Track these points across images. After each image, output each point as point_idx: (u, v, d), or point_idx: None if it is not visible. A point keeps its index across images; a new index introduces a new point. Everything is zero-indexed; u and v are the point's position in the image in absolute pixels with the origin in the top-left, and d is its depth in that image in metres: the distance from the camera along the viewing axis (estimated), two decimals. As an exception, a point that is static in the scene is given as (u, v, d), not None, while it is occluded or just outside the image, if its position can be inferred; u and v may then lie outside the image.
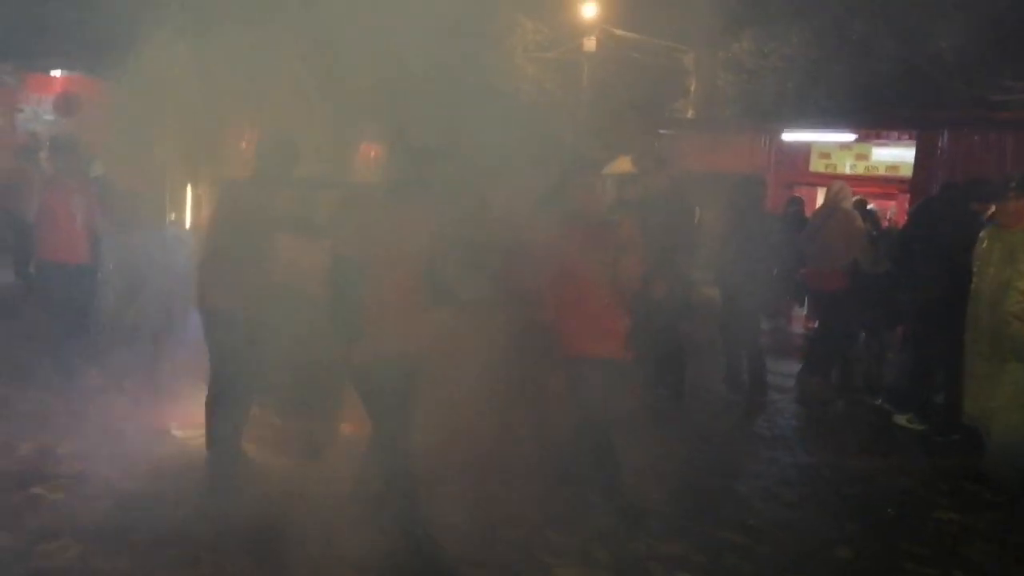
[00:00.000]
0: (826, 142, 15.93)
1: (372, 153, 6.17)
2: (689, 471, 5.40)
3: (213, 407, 4.66)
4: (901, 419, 6.85)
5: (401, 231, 3.84)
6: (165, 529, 4.06)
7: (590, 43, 20.74)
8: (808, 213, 11.80)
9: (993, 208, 5.90)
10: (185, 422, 5.43)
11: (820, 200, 15.44)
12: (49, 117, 12.95)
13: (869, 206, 11.19)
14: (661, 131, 17.82)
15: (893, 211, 14.93)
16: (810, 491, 5.36)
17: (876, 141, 15.44)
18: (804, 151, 16.05)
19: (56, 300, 6.75)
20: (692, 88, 21.21)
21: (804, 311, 11.47)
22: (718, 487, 5.25)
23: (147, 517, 4.18)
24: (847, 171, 15.78)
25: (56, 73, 12.86)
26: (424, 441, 4.03)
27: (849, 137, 15.31)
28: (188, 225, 7.47)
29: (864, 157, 15.69)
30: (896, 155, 15.11)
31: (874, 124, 15.13)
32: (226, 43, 6.51)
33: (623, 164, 16.35)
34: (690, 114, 21.01)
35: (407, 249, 3.86)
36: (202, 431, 4.77)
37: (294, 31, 7.23)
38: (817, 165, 15.97)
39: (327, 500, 4.30)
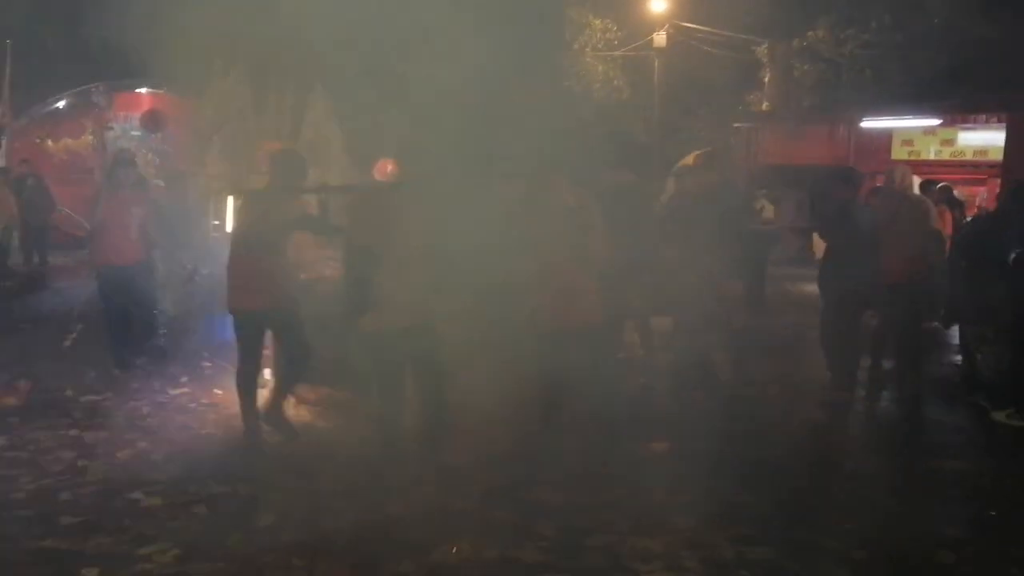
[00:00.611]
0: (909, 128, 15.47)
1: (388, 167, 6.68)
2: (780, 471, 5.29)
3: (241, 390, 5.47)
4: (1000, 415, 6.58)
5: (404, 224, 4.69)
6: (259, 534, 4.15)
7: (660, 39, 20.55)
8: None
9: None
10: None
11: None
12: (136, 133, 13.35)
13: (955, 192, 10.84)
14: (736, 124, 17.53)
15: (983, 196, 14.42)
16: (907, 493, 5.19)
17: (962, 125, 14.95)
18: (885, 138, 15.63)
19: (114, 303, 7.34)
20: (767, 79, 20.82)
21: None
22: (810, 488, 5.12)
23: (241, 521, 4.27)
24: (932, 157, 15.33)
25: (142, 91, 13.23)
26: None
27: (933, 122, 14.84)
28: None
29: (950, 142, 15.20)
30: (984, 139, 14.60)
31: (960, 108, 14.64)
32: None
33: (696, 158, 16.22)
34: (765, 106, 20.63)
35: (410, 239, 4.67)
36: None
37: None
38: (899, 152, 15.52)
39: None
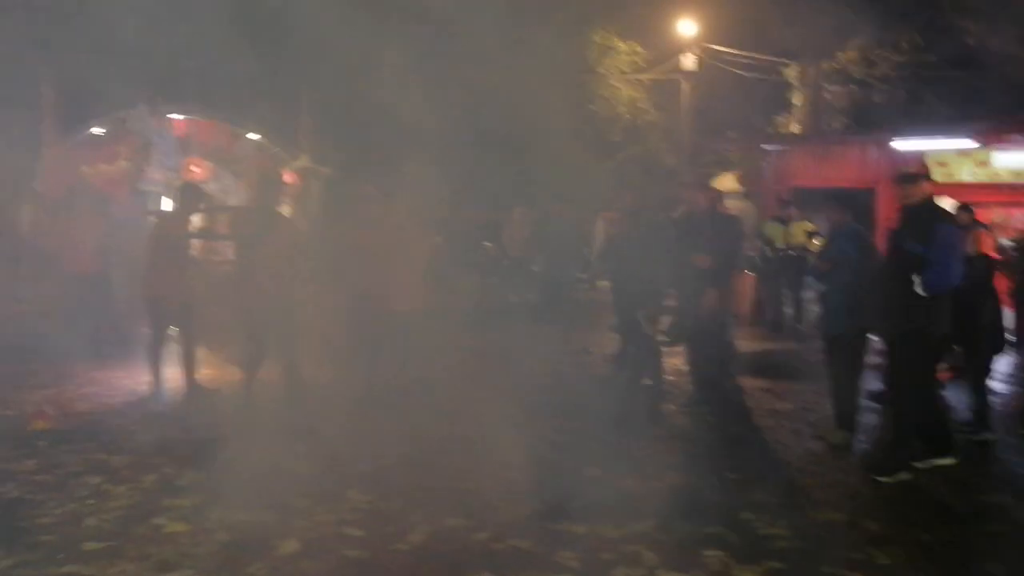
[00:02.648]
0: (942, 149, 15.26)
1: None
2: (811, 502, 5.20)
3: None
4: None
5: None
6: (282, 562, 4.12)
7: (688, 61, 20.51)
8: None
9: None
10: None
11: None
12: (170, 158, 13.49)
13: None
14: (765, 147, 17.40)
15: (1021, 219, 14.17)
16: None
17: (998, 146, 14.73)
18: (918, 160, 15.44)
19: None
20: (796, 101, 20.70)
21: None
22: (842, 520, 5.01)
23: (261, 548, 4.24)
24: (966, 179, 15.10)
25: (178, 117, 13.43)
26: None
27: (968, 143, 14.63)
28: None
29: (985, 164, 14.97)
30: (1021, 160, 14.39)
31: (995, 129, 14.43)
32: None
33: (727, 181, 16.17)
34: (795, 128, 20.50)
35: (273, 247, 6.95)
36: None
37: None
38: (933, 174, 15.30)
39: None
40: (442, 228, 17.48)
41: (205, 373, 8.06)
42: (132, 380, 8.04)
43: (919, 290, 5.36)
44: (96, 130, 13.19)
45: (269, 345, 7.16)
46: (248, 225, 7.29)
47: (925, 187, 5.65)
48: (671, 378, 8.54)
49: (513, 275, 16.62)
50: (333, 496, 4.96)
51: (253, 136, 14.35)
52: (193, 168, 12.14)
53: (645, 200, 7.95)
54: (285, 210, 8.76)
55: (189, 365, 7.53)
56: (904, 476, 5.57)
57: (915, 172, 5.72)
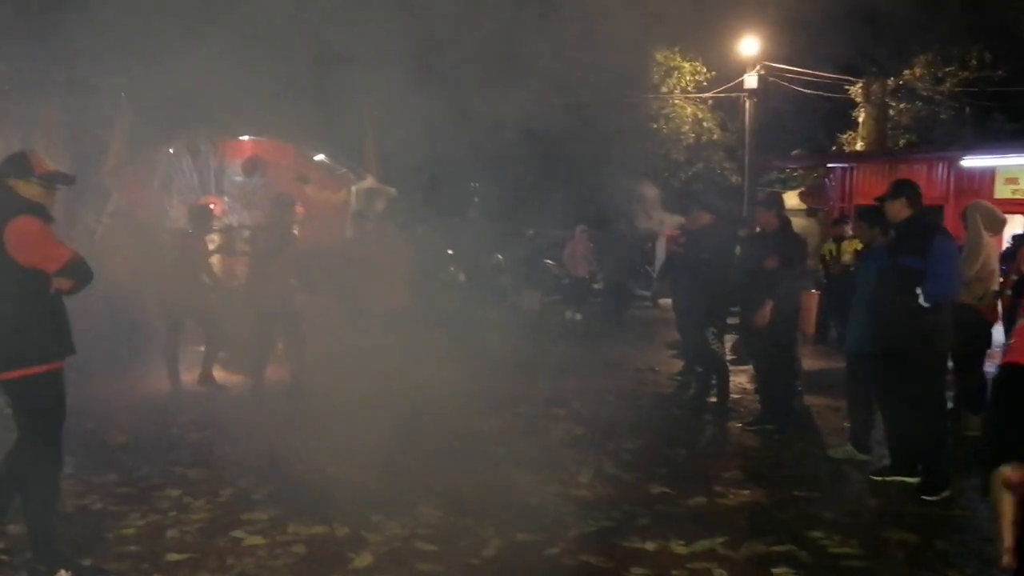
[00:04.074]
0: (1013, 166, 14.94)
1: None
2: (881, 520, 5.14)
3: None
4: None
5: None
6: (354, 575, 4.21)
7: (751, 80, 20.40)
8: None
9: None
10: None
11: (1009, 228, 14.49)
12: (238, 178, 13.81)
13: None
14: (830, 164, 17.21)
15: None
16: None
17: (1071, 162, 14.40)
18: (988, 177, 15.11)
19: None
20: (861, 119, 20.45)
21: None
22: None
23: (337, 561, 4.34)
24: (1039, 196, 14.77)
25: (244, 138, 13.70)
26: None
27: (1040, 160, 14.33)
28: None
29: (1057, 180, 14.64)
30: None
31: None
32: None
33: (791, 199, 16.03)
34: (859, 145, 20.23)
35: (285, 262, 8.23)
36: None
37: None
38: (1003, 191, 14.96)
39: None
40: (503, 247, 17.65)
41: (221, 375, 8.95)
42: (203, 396, 8.26)
43: (922, 302, 5.33)
44: (168, 149, 13.56)
45: (271, 352, 8.51)
46: (263, 242, 8.53)
47: (907, 202, 5.65)
48: (737, 396, 8.50)
49: (574, 293, 16.69)
50: (405, 510, 5.04)
51: (319, 156, 14.62)
52: (211, 204, 12.54)
53: (710, 218, 7.96)
54: (296, 230, 9.71)
55: (207, 366, 8.71)
56: (946, 494, 5.48)
57: (895, 188, 5.74)
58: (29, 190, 4.15)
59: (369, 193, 15.13)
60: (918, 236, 5.50)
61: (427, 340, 9.72)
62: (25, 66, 11.74)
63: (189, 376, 8.68)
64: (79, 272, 4.15)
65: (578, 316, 15.75)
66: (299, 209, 11.62)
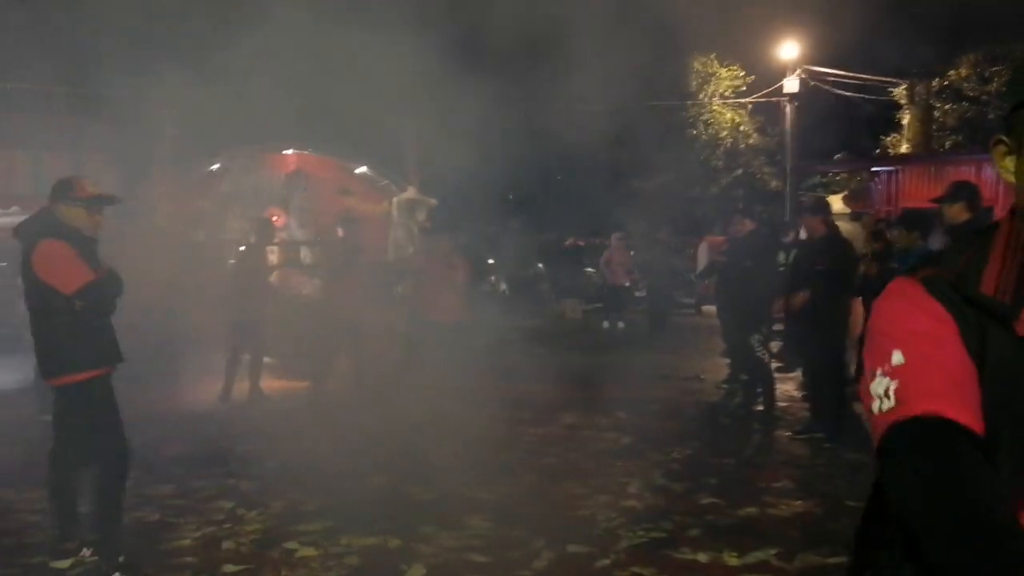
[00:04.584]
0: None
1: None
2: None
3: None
4: None
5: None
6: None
7: (791, 84, 20.22)
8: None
9: None
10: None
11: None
12: (282, 191, 14.03)
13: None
14: (874, 168, 17.00)
15: None
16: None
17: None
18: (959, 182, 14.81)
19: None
20: (905, 121, 20.16)
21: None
22: None
23: (389, 573, 4.37)
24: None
25: (288, 151, 13.88)
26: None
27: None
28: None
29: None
30: None
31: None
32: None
33: (834, 203, 15.88)
34: (904, 147, 19.95)
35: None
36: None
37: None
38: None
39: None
40: (542, 255, 17.67)
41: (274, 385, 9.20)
42: (250, 408, 8.38)
43: None
44: (213, 165, 13.80)
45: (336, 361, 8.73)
46: (332, 258, 8.94)
47: (966, 205, 5.58)
48: (784, 404, 8.42)
49: (614, 301, 16.64)
50: (455, 522, 5.06)
51: (362, 168, 14.78)
52: (273, 216, 12.74)
53: (752, 225, 7.92)
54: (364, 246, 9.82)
55: (255, 376, 8.82)
56: None
57: (954, 190, 5.66)
58: (71, 213, 4.41)
59: (410, 204, 15.21)
60: None
61: (471, 351, 9.78)
62: (72, 84, 12.00)
63: (240, 388, 8.80)
64: (92, 296, 4.35)
65: (620, 324, 15.69)
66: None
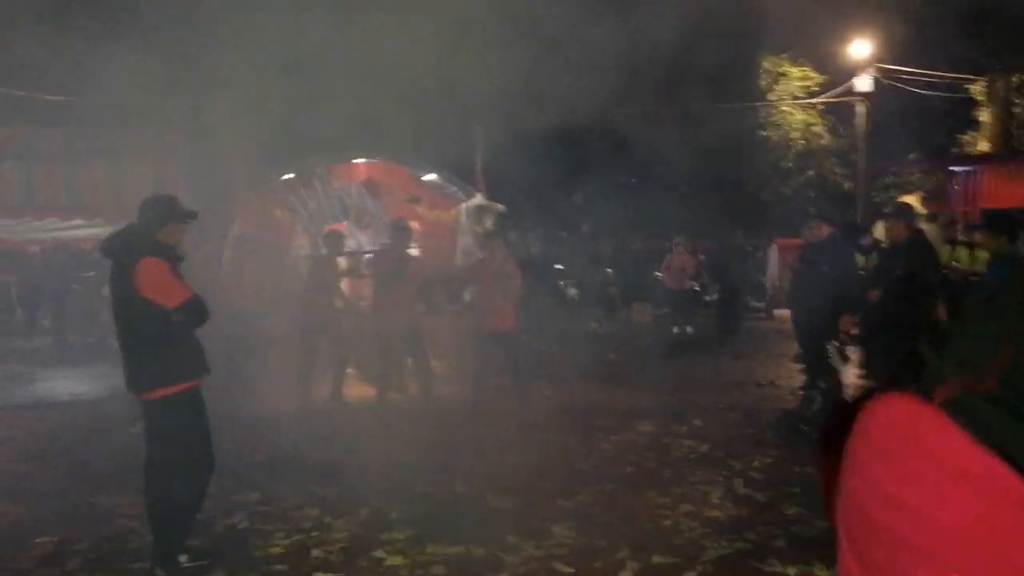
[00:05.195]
0: None
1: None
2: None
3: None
4: None
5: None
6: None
7: (862, 83, 19.82)
8: None
9: None
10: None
11: None
12: (354, 201, 14.21)
13: None
14: (952, 168, 16.58)
15: None
16: None
17: None
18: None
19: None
20: (984, 118, 19.62)
21: None
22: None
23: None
24: None
25: (358, 161, 14.03)
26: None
27: None
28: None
29: None
30: None
31: None
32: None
33: (910, 202, 15.48)
34: (983, 146, 19.42)
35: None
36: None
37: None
38: None
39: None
40: (610, 259, 17.61)
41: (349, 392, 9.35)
42: (332, 414, 8.51)
43: None
44: (286, 176, 14.03)
45: (397, 371, 9.02)
46: (383, 266, 8.89)
47: None
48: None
49: (683, 306, 16.49)
50: (540, 531, 5.07)
51: (430, 176, 14.88)
52: (341, 227, 12.89)
53: (829, 230, 7.78)
54: (414, 252, 10.23)
55: (337, 387, 9.05)
56: None
57: None
58: (170, 231, 4.62)
59: (478, 211, 15.28)
60: None
61: (542, 356, 9.82)
62: (151, 98, 12.31)
63: (319, 394, 8.96)
64: (194, 311, 4.54)
65: (688, 329, 15.53)
66: (415, 226, 11.96)
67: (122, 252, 4.51)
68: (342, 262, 9.86)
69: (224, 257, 12.86)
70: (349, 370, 9.44)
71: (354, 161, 14.14)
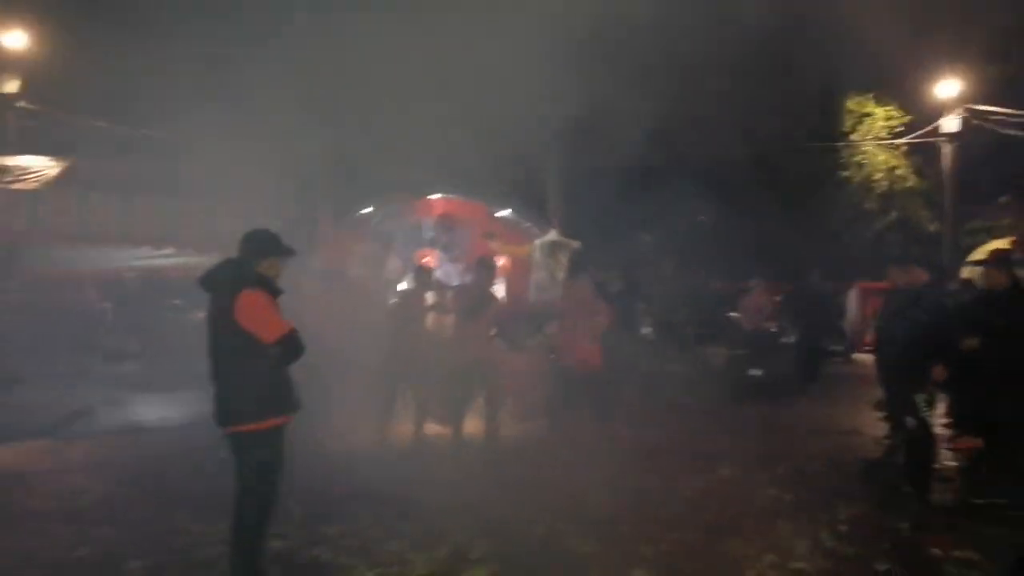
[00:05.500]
0: None
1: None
2: None
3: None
4: None
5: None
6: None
7: (950, 123, 19.39)
8: None
9: None
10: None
11: None
12: (430, 234, 14.41)
13: None
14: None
15: None
16: None
17: None
18: None
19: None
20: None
21: None
22: None
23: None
24: None
25: (436, 196, 14.24)
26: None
27: None
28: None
29: None
30: None
31: None
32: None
33: (990, 253, 14.96)
34: (1079, 188, 18.76)
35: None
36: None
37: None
38: None
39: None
40: (687, 299, 17.47)
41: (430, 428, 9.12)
42: (411, 450, 8.55)
43: None
44: (365, 210, 14.30)
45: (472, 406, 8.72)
46: (465, 301, 8.75)
47: None
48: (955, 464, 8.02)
49: (757, 348, 16.22)
50: (621, 574, 5.03)
51: (504, 212, 15.00)
52: (425, 258, 12.98)
53: (926, 276, 7.58)
54: (498, 289, 10.01)
55: (419, 422, 8.82)
56: None
57: None
58: (270, 264, 4.76)
59: (552, 247, 15.32)
60: None
61: (620, 396, 9.75)
62: (238, 138, 12.66)
63: (400, 429, 9.00)
64: (291, 346, 4.61)
65: (758, 372, 15.17)
66: (500, 262, 12.02)
67: (224, 283, 4.63)
68: (430, 297, 9.88)
69: (304, 290, 13.11)
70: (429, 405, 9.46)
71: (430, 197, 14.34)
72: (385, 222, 13.68)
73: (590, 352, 8.39)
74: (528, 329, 10.25)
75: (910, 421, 7.38)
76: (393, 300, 10.09)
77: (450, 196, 14.58)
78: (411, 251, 13.07)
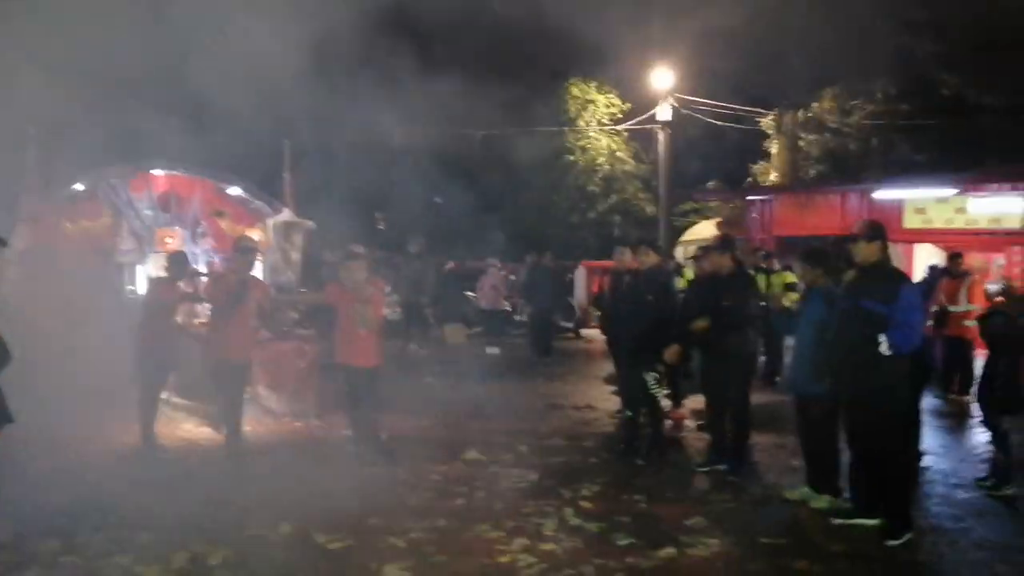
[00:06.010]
0: (921, 197, 15.60)
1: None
2: None
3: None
4: None
5: None
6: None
7: (663, 111, 20.80)
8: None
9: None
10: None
11: (917, 257, 15.07)
12: (149, 212, 13.33)
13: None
14: (749, 196, 17.64)
15: (999, 263, 14.44)
16: None
17: (974, 193, 15.12)
18: (897, 207, 15.70)
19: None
20: (774, 150, 21.06)
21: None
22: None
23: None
24: (944, 225, 15.46)
25: (157, 172, 13.21)
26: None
27: (948, 192, 14.99)
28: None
29: (962, 210, 15.37)
30: (997, 206, 14.86)
31: (976, 178, 14.83)
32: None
33: (706, 229, 16.25)
34: (773, 176, 20.83)
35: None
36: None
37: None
38: (912, 221, 15.63)
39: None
40: (428, 280, 17.49)
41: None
42: (143, 456, 7.80)
43: (884, 350, 5.37)
44: (77, 186, 12.99)
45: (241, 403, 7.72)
46: (224, 289, 7.56)
47: (880, 245, 5.68)
48: (685, 434, 8.55)
49: (494, 325, 16.62)
50: (373, 571, 4.85)
51: (235, 190, 14.19)
52: (168, 239, 12.04)
53: (657, 259, 7.97)
54: (258, 273, 9.25)
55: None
56: (909, 536, 5.54)
57: (871, 230, 5.74)
58: None
59: (286, 227, 14.74)
60: (884, 281, 5.55)
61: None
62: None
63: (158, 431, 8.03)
64: None
65: (495, 350, 15.53)
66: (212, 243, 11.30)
67: None
68: (183, 285, 8.60)
69: (6, 274, 11.67)
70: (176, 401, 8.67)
71: (152, 172, 13.26)
72: (108, 196, 12.50)
73: (365, 346, 7.36)
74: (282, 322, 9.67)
75: (645, 400, 7.74)
76: (132, 288, 9.01)
77: (174, 171, 13.53)
78: (146, 230, 12.11)
